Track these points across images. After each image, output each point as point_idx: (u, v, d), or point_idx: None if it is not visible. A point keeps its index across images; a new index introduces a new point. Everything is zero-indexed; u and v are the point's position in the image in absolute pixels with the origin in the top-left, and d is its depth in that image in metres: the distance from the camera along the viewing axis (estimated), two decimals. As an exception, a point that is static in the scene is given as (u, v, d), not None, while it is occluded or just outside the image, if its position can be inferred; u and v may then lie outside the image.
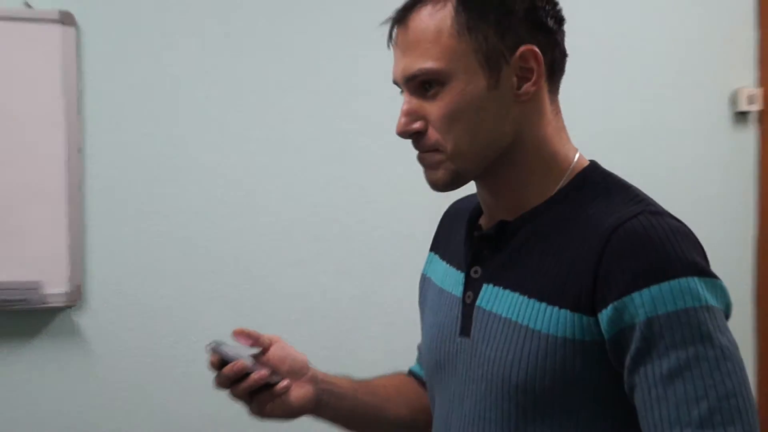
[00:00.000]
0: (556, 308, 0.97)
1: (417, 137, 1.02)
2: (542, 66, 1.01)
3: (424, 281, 1.25)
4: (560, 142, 1.06)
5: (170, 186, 2.10)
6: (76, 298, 1.93)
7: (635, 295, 0.93)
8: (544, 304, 0.98)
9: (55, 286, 1.91)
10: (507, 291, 1.03)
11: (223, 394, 1.11)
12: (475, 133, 1.02)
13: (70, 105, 1.92)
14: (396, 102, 1.05)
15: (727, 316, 0.99)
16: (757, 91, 2.49)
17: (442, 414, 1.15)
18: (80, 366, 1.99)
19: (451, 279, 1.14)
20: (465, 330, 1.07)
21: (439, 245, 1.23)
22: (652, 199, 1.03)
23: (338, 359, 1.96)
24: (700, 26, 2.54)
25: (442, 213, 1.20)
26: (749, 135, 2.53)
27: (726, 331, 0.96)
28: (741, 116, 2.50)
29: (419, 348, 1.33)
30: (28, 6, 1.86)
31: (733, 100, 2.50)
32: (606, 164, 1.09)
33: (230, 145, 2.18)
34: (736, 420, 0.91)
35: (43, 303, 1.88)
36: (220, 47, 2.18)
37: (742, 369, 0.95)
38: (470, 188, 1.07)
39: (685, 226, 1.00)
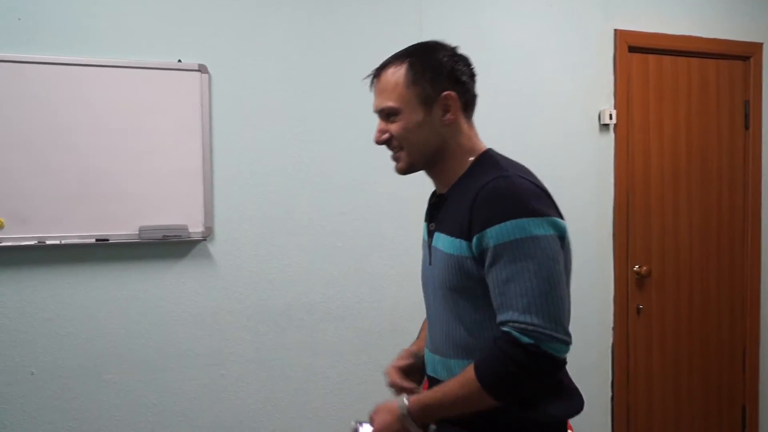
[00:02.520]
0: (457, 239, 1.39)
1: (387, 144, 1.49)
2: (458, 104, 1.44)
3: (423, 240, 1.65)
4: (471, 143, 1.48)
5: (267, 172, 2.76)
6: (208, 234, 2.66)
7: (488, 230, 1.32)
8: (452, 238, 1.40)
9: (195, 227, 2.64)
10: (441, 234, 1.45)
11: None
12: (416, 143, 1.45)
13: (205, 121, 2.64)
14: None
15: (561, 238, 1.35)
16: (614, 111, 3.22)
17: (428, 313, 1.58)
18: (210, 275, 2.70)
19: (425, 232, 1.58)
20: (429, 261, 1.52)
21: (427, 217, 1.64)
22: (511, 168, 1.41)
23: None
24: (580, 74, 3.21)
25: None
26: (609, 139, 3.27)
27: (547, 252, 1.30)
28: (604, 127, 3.24)
29: None
30: (180, 61, 2.61)
31: (599, 116, 3.22)
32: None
33: (311, 145, 2.82)
34: (541, 313, 1.28)
35: (189, 237, 2.62)
36: (300, 80, 2.80)
37: (554, 276, 1.29)
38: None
39: (526, 181, 1.36)
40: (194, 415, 2.74)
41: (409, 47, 1.49)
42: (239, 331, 2.78)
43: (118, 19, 2.60)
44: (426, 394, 1.41)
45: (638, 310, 3.42)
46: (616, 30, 3.27)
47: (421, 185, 2.88)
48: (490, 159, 1.47)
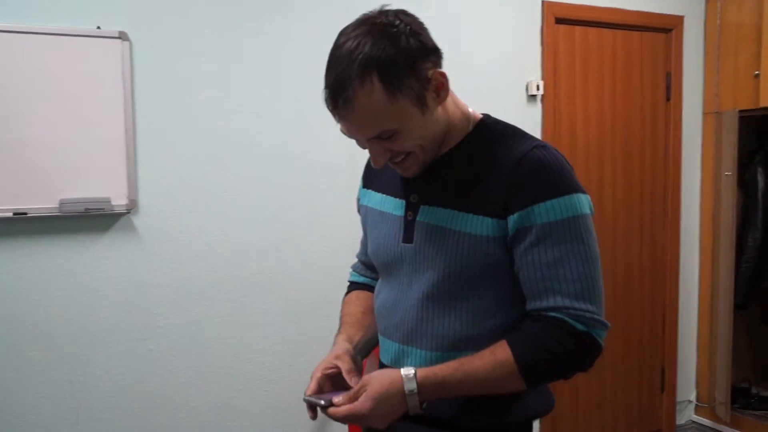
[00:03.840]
0: (480, 216, 1.23)
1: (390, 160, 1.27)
2: (446, 76, 1.24)
3: (365, 209, 1.48)
4: (458, 107, 1.32)
5: (194, 143, 2.72)
6: (132, 207, 2.62)
7: (535, 207, 1.19)
8: (470, 215, 1.24)
9: (119, 200, 2.60)
10: (440, 208, 1.28)
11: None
12: (427, 139, 1.26)
13: (126, 90, 2.57)
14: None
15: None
16: (541, 83, 3.30)
17: (390, 298, 1.38)
18: (134, 248, 2.66)
19: (390, 204, 1.38)
20: (407, 239, 1.32)
21: (371, 183, 1.47)
22: (533, 136, 1.29)
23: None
24: (508, 45, 3.26)
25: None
26: (537, 109, 3.34)
27: (592, 232, 1.23)
28: (532, 98, 3.31)
29: (358, 257, 1.63)
30: (99, 28, 2.53)
31: (527, 87, 3.29)
32: None
33: (234, 109, 2.77)
34: (594, 299, 1.20)
35: (112, 210, 2.57)
36: (230, 50, 2.75)
37: (599, 259, 1.23)
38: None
39: (561, 154, 1.26)
40: (122, 391, 2.71)
41: (355, 49, 1.16)
42: (167, 305, 2.75)
43: (31, -17, 2.50)
44: (439, 371, 1.22)
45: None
46: (543, 1, 3.32)
47: (352, 154, 2.81)
48: (500, 124, 1.34)
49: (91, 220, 2.60)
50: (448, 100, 1.29)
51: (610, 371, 3.69)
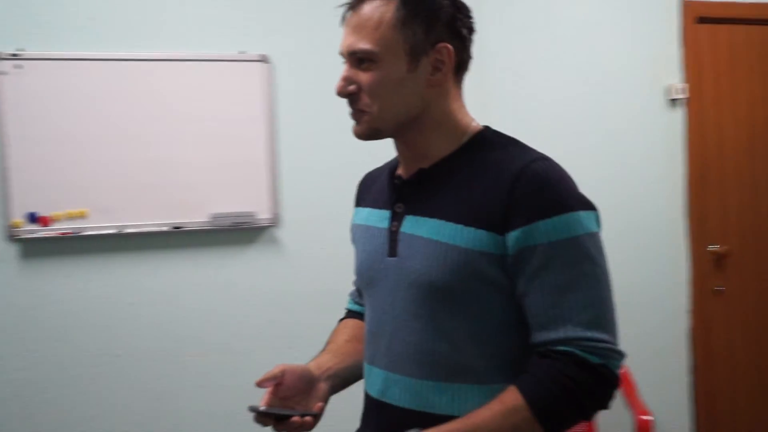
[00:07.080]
0: (473, 228, 1.11)
1: (351, 98, 1.18)
2: (452, 61, 1.16)
3: (354, 228, 1.37)
4: (460, 114, 1.21)
5: (333, 159, 2.79)
6: (276, 221, 2.75)
7: (540, 223, 1.07)
8: (461, 226, 1.12)
9: (263, 214, 2.73)
10: (426, 218, 1.16)
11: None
12: (392, 103, 1.16)
13: (268, 110, 2.72)
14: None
15: None
16: (683, 86, 3.16)
17: (375, 318, 1.25)
18: (279, 260, 2.78)
19: (375, 217, 1.27)
20: (392, 251, 1.20)
21: (361, 201, 1.39)
22: (535, 149, 1.19)
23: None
24: (647, 47, 3.14)
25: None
26: (678, 114, 3.19)
27: (602, 251, 1.12)
28: (672, 102, 3.17)
29: (354, 284, 1.47)
30: (242, 52, 2.70)
31: (667, 91, 3.16)
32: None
33: None
34: (609, 326, 1.09)
35: (257, 224, 2.72)
36: None
37: (610, 280, 1.12)
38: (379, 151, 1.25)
39: (563, 168, 1.15)
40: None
41: None
42: (309, 314, 2.80)
43: (181, 12, 2.71)
44: (448, 427, 1.09)
45: (715, 292, 3.29)
46: (684, 1, 3.19)
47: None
48: (500, 136, 1.23)
49: (238, 233, 2.75)
50: (453, 98, 1.21)
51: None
